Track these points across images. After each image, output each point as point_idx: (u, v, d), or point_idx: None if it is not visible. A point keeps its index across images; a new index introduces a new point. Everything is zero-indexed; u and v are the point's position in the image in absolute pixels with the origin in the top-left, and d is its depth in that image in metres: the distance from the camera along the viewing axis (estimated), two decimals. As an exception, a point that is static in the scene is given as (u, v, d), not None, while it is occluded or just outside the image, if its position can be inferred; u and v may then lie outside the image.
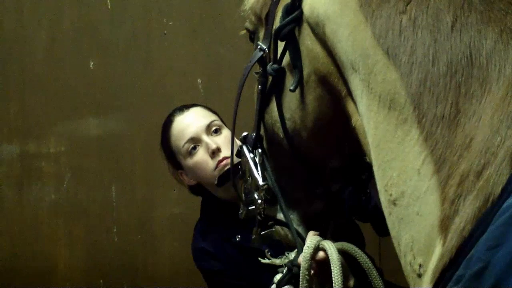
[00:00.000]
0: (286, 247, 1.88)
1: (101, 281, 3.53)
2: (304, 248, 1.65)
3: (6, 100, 3.64)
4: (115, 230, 3.53)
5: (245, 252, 2.37)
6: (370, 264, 1.65)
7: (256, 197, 1.76)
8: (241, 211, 1.90)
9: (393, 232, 1.16)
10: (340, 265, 1.59)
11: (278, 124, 1.57)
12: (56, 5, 3.59)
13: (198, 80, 3.43)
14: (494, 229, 0.92)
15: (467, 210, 0.98)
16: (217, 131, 2.46)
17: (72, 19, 3.58)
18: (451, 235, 0.99)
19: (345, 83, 1.32)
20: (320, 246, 1.66)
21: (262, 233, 1.86)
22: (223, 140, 2.44)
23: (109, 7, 3.56)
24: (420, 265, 1.07)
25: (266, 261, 1.89)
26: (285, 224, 1.77)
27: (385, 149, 1.16)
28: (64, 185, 3.58)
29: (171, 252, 3.46)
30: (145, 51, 3.54)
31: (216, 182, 2.38)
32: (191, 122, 2.47)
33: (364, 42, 1.21)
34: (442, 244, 1.01)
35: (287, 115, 1.54)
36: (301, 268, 1.65)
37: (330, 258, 1.61)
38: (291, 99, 1.51)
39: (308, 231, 1.73)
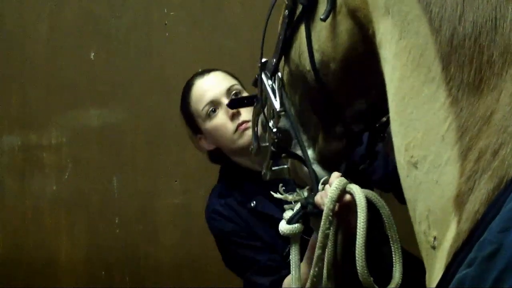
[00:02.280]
0: (296, 185, 1.86)
1: (103, 272, 3.53)
2: (332, 188, 1.61)
3: (7, 91, 3.63)
4: (117, 221, 3.52)
5: (260, 218, 2.36)
6: (391, 218, 1.63)
7: (271, 126, 1.72)
8: (252, 146, 1.91)
9: (408, 195, 1.13)
10: (367, 213, 1.56)
11: (305, 55, 1.52)
12: (56, -4, 3.58)
13: (199, 70, 3.42)
14: (507, 211, 0.91)
15: (482, 191, 0.96)
16: (237, 95, 2.43)
17: (73, 10, 3.56)
18: (466, 215, 0.97)
19: (372, 22, 1.26)
20: (347, 189, 1.63)
21: (273, 168, 1.85)
22: None
23: (110, -3, 3.55)
24: (434, 238, 1.05)
25: (278, 195, 1.86)
26: (299, 158, 1.73)
27: (410, 106, 1.11)
28: (66, 176, 3.58)
29: (173, 243, 3.46)
30: (146, 41, 3.53)
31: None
32: (212, 85, 2.44)
33: None
34: (457, 222, 0.99)
35: (315, 46, 1.49)
36: (325, 208, 1.60)
37: (358, 203, 1.58)
38: (321, 29, 1.46)
39: (323, 170, 1.70)
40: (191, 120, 2.49)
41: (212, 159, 2.58)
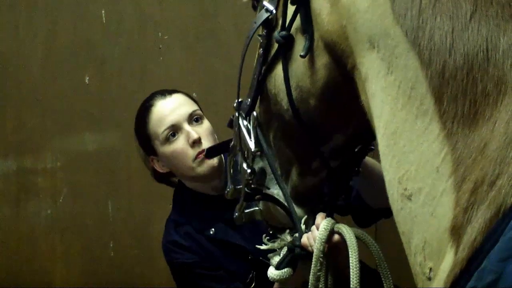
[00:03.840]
0: (270, 227, 1.84)
1: (98, 296, 3.52)
2: (320, 230, 1.61)
3: (2, 115, 3.64)
4: (111, 245, 3.52)
5: (220, 245, 2.32)
6: (381, 254, 1.63)
7: (246, 168, 1.70)
8: (228, 190, 1.86)
9: (403, 228, 1.12)
10: (358, 252, 1.57)
11: (282, 94, 1.51)
12: (51, 21, 3.59)
13: (194, 94, 3.41)
14: (506, 240, 0.91)
15: (479, 221, 0.95)
16: (198, 120, 2.39)
17: (68, 35, 3.57)
18: (463, 245, 0.97)
19: (352, 56, 1.25)
20: (336, 229, 1.63)
21: (245, 211, 1.83)
22: (204, 131, 2.38)
23: (104, 22, 3.56)
24: (430, 269, 1.05)
25: (264, 247, 1.85)
26: (274, 199, 1.72)
27: (403, 139, 1.10)
28: (61, 201, 3.57)
29: (168, 266, 3.45)
30: (141, 65, 3.53)
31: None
32: (173, 108, 2.39)
33: (384, 18, 1.14)
34: (454, 253, 0.99)
35: (293, 83, 1.47)
36: (315, 250, 1.60)
37: (348, 243, 1.57)
38: (298, 66, 1.45)
39: (297, 207, 1.69)
40: (147, 142, 2.43)
41: (158, 179, 2.54)
